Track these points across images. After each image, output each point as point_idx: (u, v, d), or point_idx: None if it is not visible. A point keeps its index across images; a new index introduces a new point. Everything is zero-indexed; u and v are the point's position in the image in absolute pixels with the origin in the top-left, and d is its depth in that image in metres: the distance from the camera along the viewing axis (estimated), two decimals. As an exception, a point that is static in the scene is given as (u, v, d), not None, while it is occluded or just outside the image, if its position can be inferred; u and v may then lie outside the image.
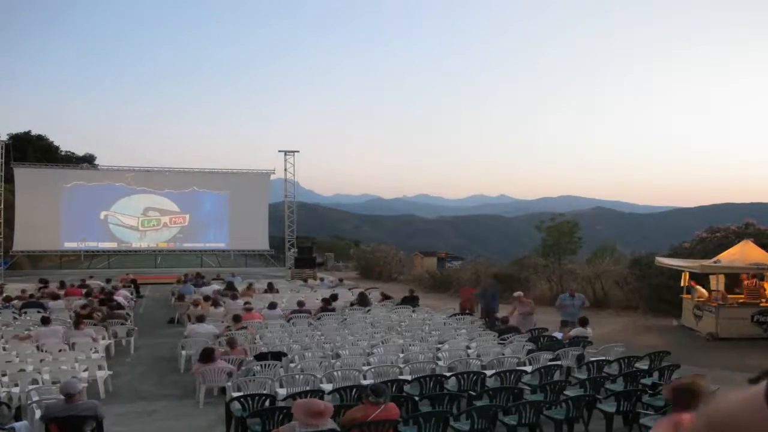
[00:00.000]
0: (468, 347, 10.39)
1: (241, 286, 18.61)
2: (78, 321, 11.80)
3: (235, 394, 7.44)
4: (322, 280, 22.69)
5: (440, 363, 9.23)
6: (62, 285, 18.71)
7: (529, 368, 8.84)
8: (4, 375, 8.77)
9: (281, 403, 6.99)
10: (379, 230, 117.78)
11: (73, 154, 48.80)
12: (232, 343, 9.73)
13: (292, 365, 8.91)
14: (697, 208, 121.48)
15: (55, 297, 15.73)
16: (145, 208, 31.31)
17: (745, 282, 14.65)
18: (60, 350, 10.23)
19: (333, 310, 14.42)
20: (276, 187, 34.78)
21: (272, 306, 13.90)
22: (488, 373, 8.39)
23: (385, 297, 17.06)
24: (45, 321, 11.64)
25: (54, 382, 8.31)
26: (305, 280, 21.82)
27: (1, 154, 28.36)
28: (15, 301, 15.64)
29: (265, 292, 18.40)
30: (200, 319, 12.28)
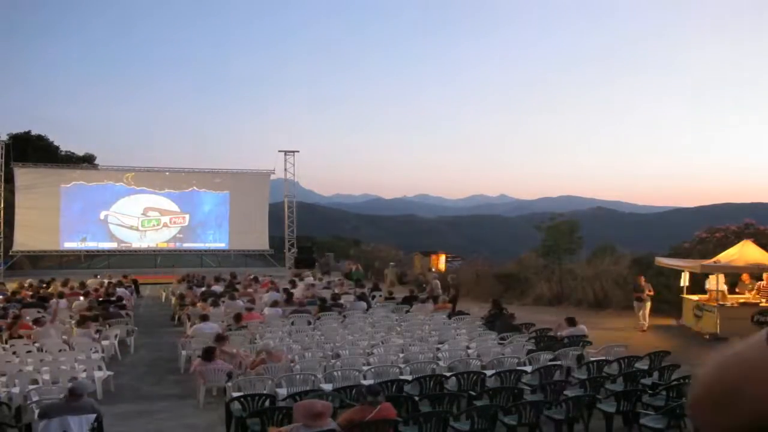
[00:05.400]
0: (468, 347, 10.38)
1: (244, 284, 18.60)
2: (82, 321, 11.79)
3: (235, 394, 7.45)
4: (320, 280, 22.69)
5: (440, 363, 9.23)
6: (65, 283, 18.72)
7: (529, 368, 8.84)
8: (3, 375, 8.76)
9: (281, 403, 6.99)
10: (379, 230, 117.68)
11: (73, 154, 48.68)
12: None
13: (291, 365, 8.91)
14: (697, 208, 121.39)
15: (61, 296, 15.82)
16: (144, 208, 31.24)
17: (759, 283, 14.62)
18: (60, 350, 10.23)
19: (332, 309, 14.42)
20: (276, 187, 34.71)
21: (274, 305, 13.90)
22: (488, 373, 8.38)
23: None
24: (45, 321, 11.66)
25: (54, 382, 8.30)
26: (302, 279, 21.90)
27: (1, 154, 28.34)
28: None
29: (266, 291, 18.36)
30: (204, 318, 12.35)
